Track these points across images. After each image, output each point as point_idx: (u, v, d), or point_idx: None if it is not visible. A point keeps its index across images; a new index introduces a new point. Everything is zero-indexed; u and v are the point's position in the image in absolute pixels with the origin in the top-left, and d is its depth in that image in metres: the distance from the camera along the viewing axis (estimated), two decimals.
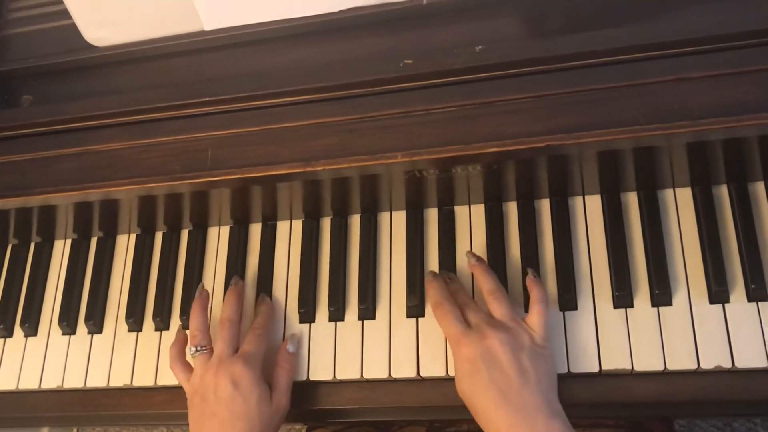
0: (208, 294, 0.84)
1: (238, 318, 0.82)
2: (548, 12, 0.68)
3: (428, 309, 0.81)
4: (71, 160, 0.76)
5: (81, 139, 0.77)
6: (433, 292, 0.78)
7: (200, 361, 0.78)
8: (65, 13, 0.76)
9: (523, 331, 0.71)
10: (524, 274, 0.79)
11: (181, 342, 0.83)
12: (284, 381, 0.78)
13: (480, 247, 0.83)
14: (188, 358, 0.82)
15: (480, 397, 0.69)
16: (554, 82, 0.66)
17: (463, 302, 0.77)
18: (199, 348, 0.79)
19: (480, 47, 0.67)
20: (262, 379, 0.77)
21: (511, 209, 0.84)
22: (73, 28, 0.76)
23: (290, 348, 0.81)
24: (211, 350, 0.79)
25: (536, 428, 0.65)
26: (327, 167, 0.70)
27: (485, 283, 0.76)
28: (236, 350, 0.79)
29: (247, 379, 0.75)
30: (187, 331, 0.83)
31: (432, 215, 0.86)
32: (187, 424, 0.78)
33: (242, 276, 0.88)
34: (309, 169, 0.70)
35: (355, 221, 0.88)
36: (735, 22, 0.64)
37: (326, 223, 0.88)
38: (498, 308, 0.74)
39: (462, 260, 0.83)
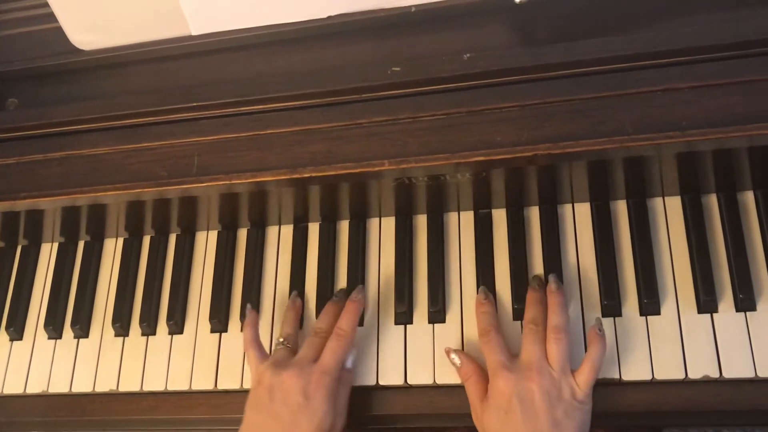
0: (301, 304, 0.84)
1: (330, 330, 0.78)
2: (537, 21, 0.68)
3: (416, 316, 0.81)
4: (57, 165, 0.76)
5: (67, 144, 0.76)
6: (482, 318, 0.76)
7: (281, 354, 0.77)
8: (51, 16, 0.75)
9: (566, 385, 0.70)
10: (514, 285, 0.79)
11: (254, 323, 0.81)
12: (343, 399, 0.76)
13: (469, 254, 0.83)
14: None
15: None
16: (542, 91, 0.66)
17: (533, 320, 0.74)
18: (285, 342, 0.78)
19: (468, 55, 0.67)
20: (332, 396, 0.74)
21: (500, 216, 0.83)
22: (60, 31, 0.76)
23: (348, 363, 0.78)
24: (295, 350, 0.77)
25: None
26: (314, 174, 0.69)
27: (553, 317, 0.74)
28: (316, 358, 0.76)
29: (319, 395, 0.73)
30: (244, 317, 0.82)
31: (421, 222, 0.85)
32: (173, 430, 0.78)
33: (230, 282, 0.88)
34: (296, 176, 0.69)
35: (344, 227, 0.87)
36: (723, 33, 0.63)
37: (315, 229, 0.88)
38: (554, 351, 0.71)
39: (453, 267, 0.82)
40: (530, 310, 0.76)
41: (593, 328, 0.73)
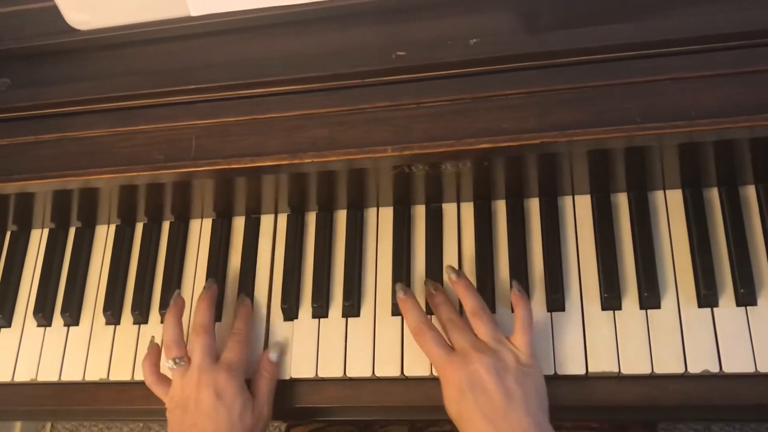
0: (183, 302, 0.82)
1: (212, 324, 0.79)
2: (545, 6, 0.67)
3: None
4: (50, 147, 0.74)
5: (60, 125, 0.75)
6: (408, 315, 0.76)
7: (179, 373, 0.76)
8: None
9: (508, 352, 0.70)
10: (512, 277, 0.78)
11: (154, 355, 0.81)
12: (265, 390, 0.77)
13: (468, 245, 0.82)
14: (164, 370, 0.80)
15: (468, 423, 0.68)
16: (550, 78, 0.65)
17: (448, 318, 0.75)
18: (177, 361, 0.77)
19: (474, 40, 0.66)
20: (244, 387, 0.75)
21: (500, 207, 0.83)
22: (55, 10, 0.74)
23: (272, 357, 0.78)
24: (189, 361, 0.77)
25: None
26: (315, 160, 0.68)
27: (467, 301, 0.75)
28: (215, 358, 0.77)
29: (231, 389, 0.73)
30: (159, 342, 0.82)
31: (419, 212, 0.84)
32: (164, 420, 0.76)
33: (224, 271, 0.86)
34: (296, 161, 0.68)
35: (341, 216, 0.86)
36: (733, 23, 0.63)
37: (311, 218, 0.87)
38: (481, 328, 0.72)
39: (451, 258, 0.81)
40: (440, 312, 0.76)
41: (513, 291, 0.74)
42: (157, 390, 0.79)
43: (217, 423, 0.72)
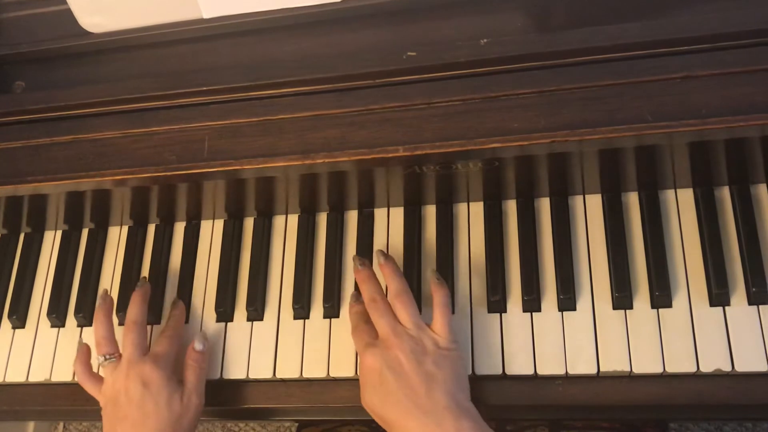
0: (112, 300, 0.84)
1: (144, 320, 0.81)
2: (555, 6, 0.67)
3: (426, 305, 0.80)
4: (63, 149, 0.75)
5: (74, 127, 0.75)
6: (354, 318, 0.78)
7: (110, 369, 0.78)
8: None
9: (426, 337, 0.72)
10: (523, 278, 0.78)
11: (85, 354, 0.82)
12: (193, 379, 0.78)
13: (479, 245, 0.82)
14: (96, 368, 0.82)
15: (390, 407, 0.69)
16: (561, 78, 0.65)
17: (370, 298, 0.76)
18: (107, 356, 0.78)
19: (485, 40, 0.66)
20: (172, 378, 0.77)
21: (511, 208, 0.83)
22: (68, 13, 0.75)
23: (198, 346, 0.80)
24: (120, 357, 0.78)
25: (444, 428, 0.66)
26: (326, 160, 0.69)
27: (392, 284, 0.76)
28: (145, 352, 0.78)
29: (157, 378, 0.75)
30: (89, 343, 0.83)
31: (430, 212, 0.85)
32: None
33: (237, 271, 0.87)
34: (308, 161, 0.69)
35: (351, 217, 0.86)
36: (744, 21, 0.63)
37: (322, 219, 0.87)
38: (403, 313, 0.73)
39: (462, 258, 0.81)
40: (364, 290, 0.77)
41: (432, 279, 0.77)
42: (89, 387, 0.80)
43: (145, 411, 0.73)
